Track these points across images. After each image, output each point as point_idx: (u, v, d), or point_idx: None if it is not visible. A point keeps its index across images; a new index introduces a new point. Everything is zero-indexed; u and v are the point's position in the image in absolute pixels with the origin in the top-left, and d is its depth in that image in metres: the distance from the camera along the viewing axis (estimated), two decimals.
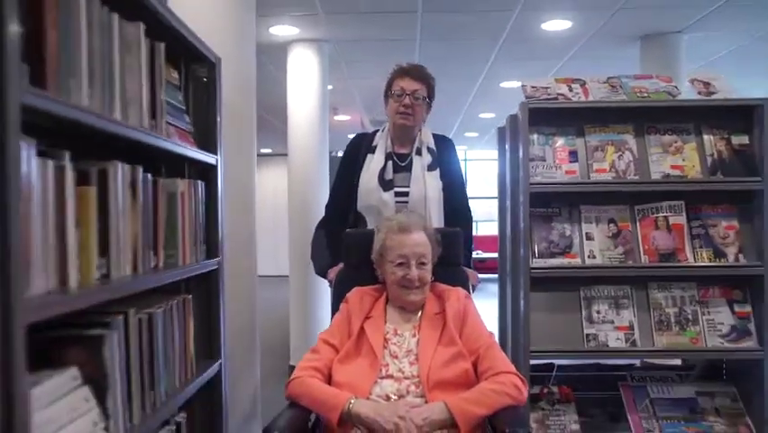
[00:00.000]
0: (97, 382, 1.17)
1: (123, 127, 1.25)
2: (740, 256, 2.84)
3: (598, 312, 2.88)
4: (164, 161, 1.66)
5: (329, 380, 1.73)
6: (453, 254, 2.09)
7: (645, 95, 2.93)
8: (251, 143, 2.48)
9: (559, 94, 2.93)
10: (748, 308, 2.85)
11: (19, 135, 0.86)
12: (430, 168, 2.44)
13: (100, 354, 1.17)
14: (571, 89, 2.95)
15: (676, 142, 2.89)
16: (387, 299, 1.91)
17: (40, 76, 0.95)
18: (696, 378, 3.13)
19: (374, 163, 2.44)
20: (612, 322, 2.87)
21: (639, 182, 2.84)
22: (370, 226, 2.44)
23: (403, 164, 2.46)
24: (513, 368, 1.72)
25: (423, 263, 1.84)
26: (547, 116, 2.89)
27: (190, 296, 1.72)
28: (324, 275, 2.58)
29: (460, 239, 2.16)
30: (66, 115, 1.01)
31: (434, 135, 2.56)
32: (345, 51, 5.21)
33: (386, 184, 2.40)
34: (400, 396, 1.66)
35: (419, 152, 2.46)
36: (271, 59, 5.01)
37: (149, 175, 1.42)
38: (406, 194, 2.41)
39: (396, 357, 1.75)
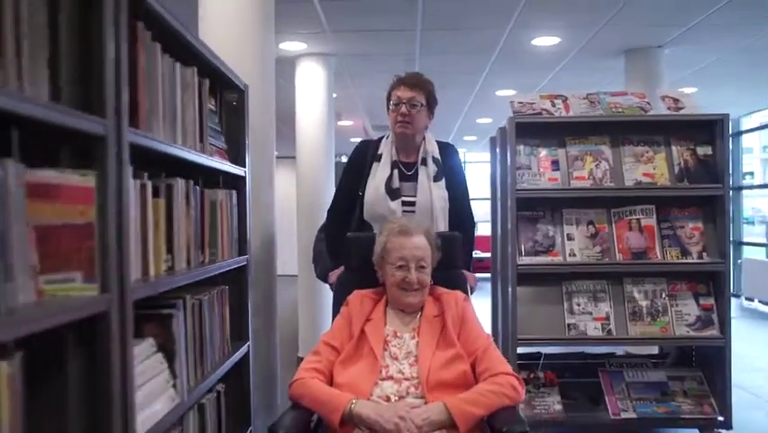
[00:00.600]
0: (167, 351, 1.49)
1: (184, 151, 1.58)
2: (704, 254, 3.17)
3: (578, 304, 3.21)
4: (203, 173, 1.99)
5: (330, 381, 1.74)
6: (452, 258, 2.09)
7: (620, 110, 3.26)
8: (271, 156, 2.80)
9: (543, 109, 3.25)
10: (711, 301, 3.19)
11: (128, 164, 1.20)
12: (436, 178, 2.43)
13: (170, 328, 1.50)
14: (553, 104, 3.28)
15: (647, 152, 3.22)
16: (387, 301, 1.92)
17: (136, 120, 1.28)
18: (669, 365, 3.47)
19: (380, 172, 2.42)
20: (591, 313, 3.21)
21: (614, 188, 3.17)
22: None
23: (409, 173, 2.44)
24: (510, 369, 1.73)
25: (422, 267, 1.85)
26: (532, 129, 3.22)
27: (226, 287, 2.04)
28: (325, 279, 2.60)
29: (458, 243, 2.16)
30: (151, 147, 1.34)
31: (438, 143, 2.54)
32: (349, 64, 5.55)
33: (393, 193, 2.39)
34: (400, 397, 1.67)
35: (425, 162, 2.45)
36: (281, 71, 5.33)
37: (197, 187, 1.75)
38: (413, 203, 2.40)
39: (396, 359, 1.76)
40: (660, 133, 3.22)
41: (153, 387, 1.38)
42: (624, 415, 3.19)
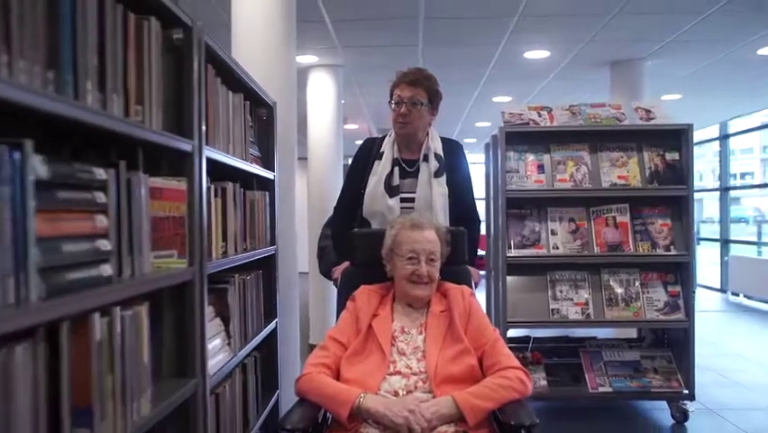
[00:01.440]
0: (223, 317, 1.91)
1: (235, 160, 1.99)
2: (671, 247, 3.57)
3: (560, 291, 3.61)
4: (243, 177, 2.40)
5: (337, 376, 1.72)
6: (458, 253, 2.07)
7: (598, 120, 3.66)
8: (292, 161, 3.21)
9: (530, 119, 3.66)
10: (678, 288, 3.59)
11: (205, 173, 1.61)
12: (437, 174, 2.37)
13: (225, 299, 1.91)
14: (540, 115, 3.68)
15: (622, 157, 3.62)
16: (393, 297, 1.91)
17: (208, 139, 1.69)
18: (645, 346, 3.87)
19: (381, 169, 2.39)
20: (572, 299, 3.61)
21: (593, 189, 3.57)
22: None
23: (410, 170, 2.40)
24: (518, 363, 1.71)
25: (432, 260, 1.84)
26: (520, 137, 3.62)
27: (260, 271, 2.45)
28: (328, 275, 2.56)
29: (464, 239, 2.13)
30: (218, 159, 1.75)
31: (443, 139, 2.48)
32: (357, 74, 5.97)
33: (392, 190, 2.36)
34: (408, 391, 1.66)
35: (426, 159, 2.39)
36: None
37: (241, 189, 2.16)
38: (412, 200, 2.36)
39: (403, 354, 1.75)
40: (633, 140, 3.63)
41: (216, 343, 1.79)
42: (601, 389, 3.59)
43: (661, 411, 3.65)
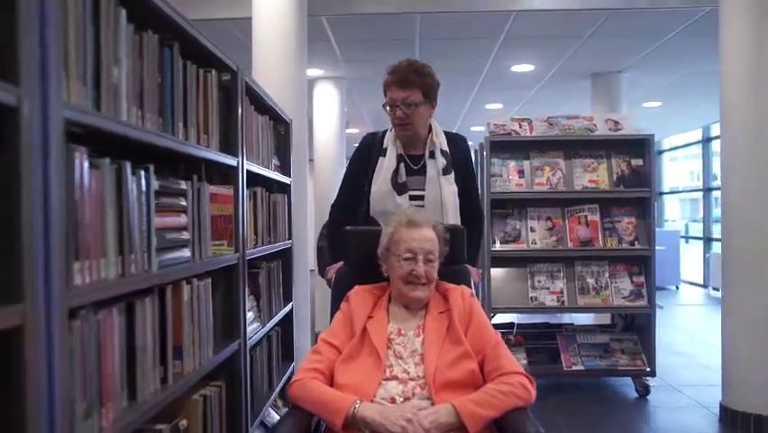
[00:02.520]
0: (255, 295, 2.38)
1: (264, 170, 2.46)
2: (636, 243, 4.04)
3: (539, 281, 4.09)
4: (266, 183, 2.86)
5: (331, 382, 1.62)
6: (457, 252, 1.94)
7: (572, 130, 4.13)
8: (305, 168, 3.68)
9: (512, 129, 4.13)
10: (642, 279, 4.06)
11: (245, 181, 2.08)
12: (445, 171, 2.27)
13: (257, 281, 2.38)
14: (521, 126, 4.15)
15: (593, 163, 4.09)
16: (389, 297, 1.80)
17: (246, 154, 2.16)
18: (616, 331, 4.34)
19: (386, 166, 2.27)
20: (548, 288, 4.08)
21: (567, 192, 4.05)
22: None
23: (416, 167, 2.28)
24: (520, 368, 1.62)
25: (430, 260, 1.74)
26: (504, 146, 4.09)
27: (280, 261, 2.92)
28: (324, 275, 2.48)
29: (463, 237, 1.99)
30: (253, 171, 2.22)
31: (447, 134, 2.37)
32: (358, 85, 6.45)
33: (400, 188, 2.23)
34: (406, 398, 1.56)
35: (433, 155, 2.28)
36: None
37: (267, 193, 2.63)
38: (422, 198, 2.24)
39: (400, 358, 1.65)
40: (602, 148, 4.10)
41: (250, 315, 2.27)
42: (574, 367, 4.07)
43: (626, 387, 4.12)
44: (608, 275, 4.09)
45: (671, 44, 5.02)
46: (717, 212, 11.87)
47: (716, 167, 10.67)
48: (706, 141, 10.46)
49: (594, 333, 4.30)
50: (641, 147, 4.08)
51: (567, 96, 6.87)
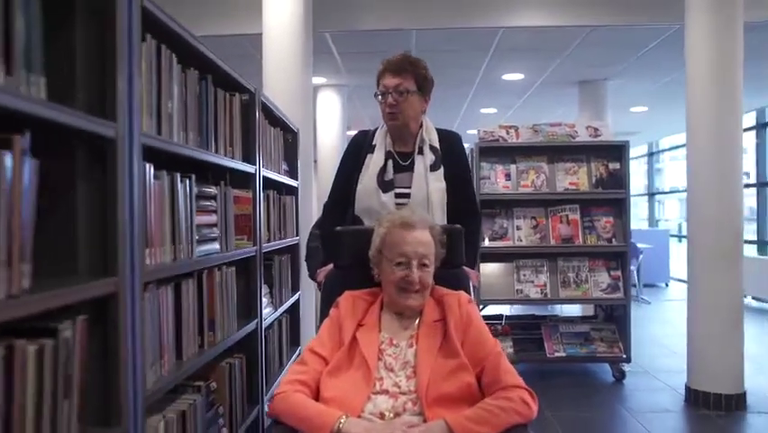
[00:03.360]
0: (269, 284, 2.73)
1: (277, 175, 2.81)
2: (613, 240, 4.38)
3: (524, 275, 4.43)
4: (277, 186, 3.21)
5: (317, 395, 1.51)
6: (454, 254, 1.81)
7: (555, 137, 4.47)
8: (310, 172, 4.03)
9: (500, 136, 4.48)
10: (619, 273, 4.40)
11: (261, 185, 2.43)
12: (433, 168, 2.17)
13: (271, 271, 2.73)
14: (508, 133, 4.50)
15: (573, 167, 4.44)
16: (382, 304, 1.68)
17: (263, 162, 2.51)
18: (598, 321, 4.69)
19: (373, 163, 2.19)
20: (533, 282, 4.42)
21: (550, 193, 4.39)
22: None
23: (404, 164, 2.19)
24: (521, 381, 1.49)
25: (425, 265, 1.61)
26: (492, 151, 4.44)
27: (289, 255, 3.27)
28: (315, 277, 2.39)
29: (461, 238, 1.87)
30: (269, 177, 2.57)
31: (439, 131, 2.27)
32: (358, 92, 6.82)
33: (385, 185, 2.15)
34: (396, 414, 1.46)
35: (421, 151, 2.18)
36: None
37: (278, 195, 2.98)
38: (407, 195, 2.15)
39: (391, 370, 1.54)
40: (582, 153, 4.44)
41: (265, 300, 2.62)
42: (557, 354, 4.41)
43: (604, 372, 4.47)
44: (587, 270, 4.43)
45: (649, 56, 5.36)
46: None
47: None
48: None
49: (575, 323, 4.65)
50: (618, 152, 4.42)
51: (556, 102, 7.22)
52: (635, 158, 13.60)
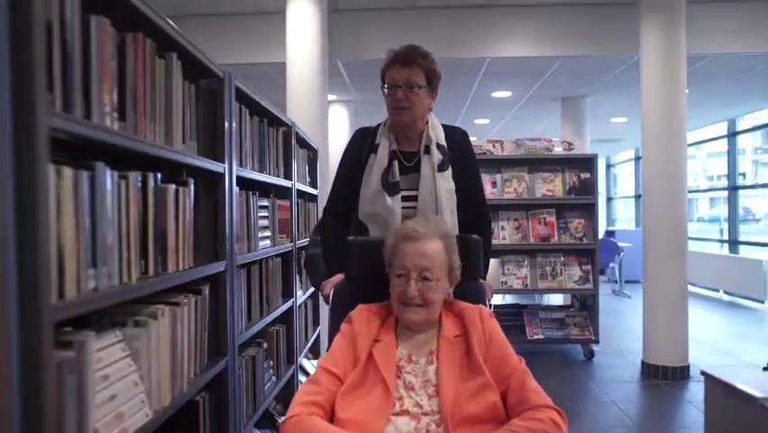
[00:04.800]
0: (299, 272, 3.42)
1: (304, 186, 3.50)
2: (584, 239, 5.07)
3: (508, 269, 5.11)
4: (303, 195, 3.88)
5: (332, 417, 1.39)
6: (472, 267, 1.72)
7: (535, 150, 5.16)
8: (326, 180, 4.71)
9: (487, 149, 5.16)
10: (589, 267, 5.09)
11: (295, 196, 3.12)
12: (441, 168, 1.99)
13: (300, 264, 3.42)
14: (494, 146, 5.18)
15: (550, 176, 5.12)
16: (397, 318, 1.57)
17: (296, 178, 3.20)
18: (574, 310, 5.37)
19: (377, 164, 2.01)
20: (515, 274, 5.11)
21: (530, 199, 5.07)
22: None
23: (410, 164, 2.02)
24: (550, 401, 1.38)
25: (426, 278, 1.50)
26: (481, 162, 5.04)
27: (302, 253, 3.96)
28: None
29: (479, 249, 1.77)
30: (301, 189, 3.26)
31: (446, 127, 2.10)
32: (365, 106, 7.51)
33: (391, 188, 1.98)
34: None
35: (428, 151, 2.00)
36: None
37: (304, 202, 3.66)
38: (414, 198, 1.99)
39: (411, 389, 1.43)
40: (558, 164, 5.13)
41: (297, 285, 3.30)
42: (536, 337, 5.10)
43: (576, 352, 5.16)
44: (561, 264, 5.12)
45: (621, 77, 6.04)
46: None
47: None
48: None
49: (553, 310, 5.34)
50: (588, 163, 5.11)
51: (541, 115, 7.90)
52: (625, 162, 14.29)
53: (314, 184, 4.09)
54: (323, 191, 4.55)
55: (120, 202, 1.23)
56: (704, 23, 4.89)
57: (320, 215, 2.30)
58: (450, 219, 1.97)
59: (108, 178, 1.17)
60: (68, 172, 1.02)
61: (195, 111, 1.73)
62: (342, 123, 7.35)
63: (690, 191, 11.50)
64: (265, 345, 2.59)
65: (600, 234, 12.72)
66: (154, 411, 1.35)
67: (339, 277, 1.87)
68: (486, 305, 1.72)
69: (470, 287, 1.69)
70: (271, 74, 5.42)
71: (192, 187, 1.64)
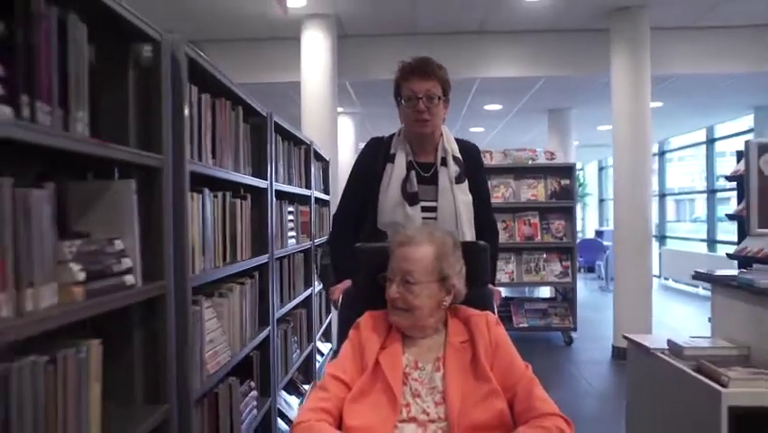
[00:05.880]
0: (317, 265, 4.02)
1: (318, 193, 4.11)
2: (564, 238, 5.67)
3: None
4: (318, 201, 4.48)
5: (340, 423, 1.38)
6: (479, 273, 1.70)
7: (520, 159, 5.76)
8: (337, 190, 5.32)
9: None
10: (568, 263, 5.68)
11: (313, 202, 3.73)
12: (458, 180, 2.01)
13: (317, 259, 4.03)
14: (484, 156, 5.77)
15: (534, 182, 5.72)
16: None
17: (314, 187, 3.80)
18: (557, 301, 5.97)
19: (395, 174, 2.01)
20: (503, 270, 5.70)
21: (516, 202, 5.67)
22: None
23: (427, 175, 2.03)
24: (557, 408, 1.34)
25: (408, 282, 1.47)
26: None
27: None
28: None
29: (486, 255, 1.75)
30: (319, 197, 3.87)
31: (458, 141, 2.12)
32: (369, 117, 8.13)
33: (411, 198, 1.98)
34: None
35: (444, 162, 2.02)
36: None
37: (318, 206, 4.26)
38: (434, 209, 1.99)
39: (418, 396, 1.41)
40: (541, 172, 5.73)
41: (314, 277, 3.91)
42: (521, 325, 5.70)
43: (557, 338, 5.76)
44: (544, 260, 5.72)
45: (601, 91, 6.64)
46: (669, 215, 13.54)
47: (668, 177, 12.28)
48: (660, 154, 12.08)
49: (537, 302, 5.95)
50: (568, 171, 5.71)
51: (531, 125, 8.52)
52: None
53: (326, 191, 4.70)
54: (334, 197, 5.17)
55: (215, 213, 1.84)
56: (669, 47, 5.49)
57: (331, 218, 2.32)
58: (468, 229, 1.98)
59: (208, 198, 1.77)
60: (194, 195, 1.63)
61: (249, 143, 2.33)
62: (348, 132, 7.96)
63: (682, 193, 11.85)
64: (291, 323, 3.20)
65: (591, 234, 13.42)
66: (231, 356, 1.96)
67: (347, 283, 1.87)
68: (494, 310, 1.73)
69: (478, 293, 1.67)
70: (286, 91, 6.03)
71: (249, 200, 2.25)
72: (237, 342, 2.04)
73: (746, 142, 2.04)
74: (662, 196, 11.94)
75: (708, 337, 2.17)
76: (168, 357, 1.46)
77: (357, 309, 1.60)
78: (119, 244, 1.28)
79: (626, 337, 2.45)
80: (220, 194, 1.90)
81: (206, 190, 1.74)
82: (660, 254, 11.52)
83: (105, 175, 1.40)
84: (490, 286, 1.82)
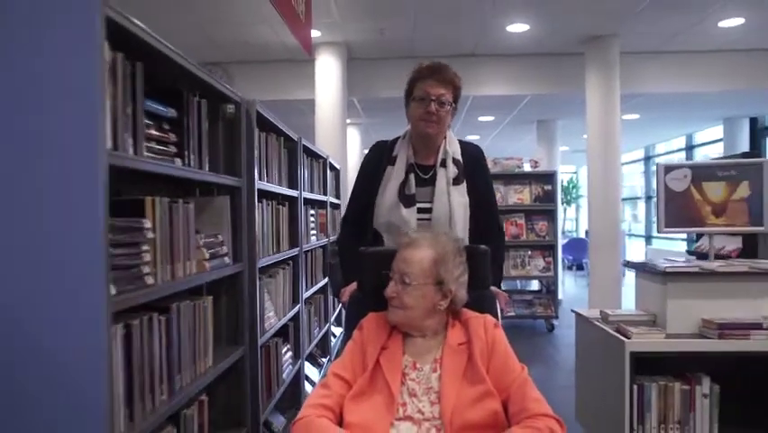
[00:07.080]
0: (323, 261, 4.73)
1: (332, 199, 4.81)
2: (546, 237, 6.35)
3: None
4: (331, 205, 5.17)
5: (340, 420, 1.43)
6: (480, 276, 1.70)
7: (508, 167, 6.45)
8: (346, 192, 6.01)
9: None
10: (550, 259, 6.37)
11: (328, 206, 4.43)
12: (456, 182, 2.01)
13: (323, 255, 4.74)
14: None
15: (520, 187, 6.41)
16: None
17: (328, 194, 4.50)
18: (542, 294, 6.65)
19: (394, 176, 2.03)
20: None
21: (504, 205, 6.34)
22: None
23: (426, 177, 2.04)
24: (550, 410, 1.36)
25: (404, 282, 1.51)
26: None
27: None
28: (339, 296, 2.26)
29: (487, 259, 1.75)
30: (331, 201, 4.57)
31: (462, 143, 2.13)
32: (374, 126, 8.83)
33: (407, 200, 1.99)
34: None
35: (444, 164, 2.03)
36: None
37: (332, 209, 4.96)
38: (429, 210, 2.00)
39: (414, 395, 1.45)
40: (527, 178, 6.42)
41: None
42: (509, 314, 6.39)
43: (541, 325, 6.45)
44: (528, 257, 6.41)
45: (582, 105, 7.33)
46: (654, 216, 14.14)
47: (653, 180, 12.91)
48: (646, 159, 12.75)
49: (523, 294, 6.64)
50: (550, 177, 6.40)
51: (521, 134, 9.21)
52: None
53: (337, 196, 5.41)
54: (344, 201, 5.88)
55: (269, 218, 2.54)
56: (640, 69, 6.19)
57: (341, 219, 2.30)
58: (462, 231, 1.99)
59: (265, 207, 2.48)
60: (258, 205, 2.34)
61: (286, 163, 3.04)
62: (354, 140, 8.67)
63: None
64: (313, 305, 3.89)
65: (583, 234, 14.08)
66: (276, 321, 2.66)
67: (355, 285, 1.90)
68: (497, 313, 1.75)
69: (479, 296, 1.68)
70: (300, 107, 6.74)
71: (287, 207, 2.95)
72: (281, 312, 2.74)
73: (657, 165, 2.71)
74: (649, 198, 12.60)
75: (632, 310, 2.85)
76: (244, 315, 2.16)
77: (363, 311, 1.65)
78: (220, 238, 1.98)
79: (573, 311, 3.13)
80: (272, 202, 2.61)
81: (265, 201, 2.45)
82: (646, 253, 12.19)
83: (206, 193, 2.10)
84: (495, 289, 1.87)
